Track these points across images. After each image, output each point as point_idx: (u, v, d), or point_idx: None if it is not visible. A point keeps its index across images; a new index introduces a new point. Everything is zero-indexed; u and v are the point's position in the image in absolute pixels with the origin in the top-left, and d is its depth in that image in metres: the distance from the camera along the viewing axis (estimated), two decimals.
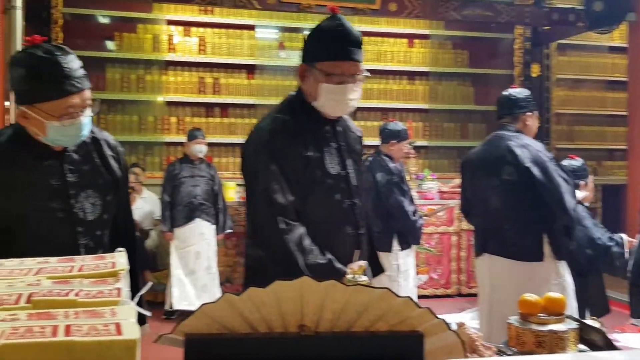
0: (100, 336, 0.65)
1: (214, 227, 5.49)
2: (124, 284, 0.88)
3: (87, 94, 1.82)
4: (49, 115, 1.75)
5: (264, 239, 2.01)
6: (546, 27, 7.39)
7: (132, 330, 0.67)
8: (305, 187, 1.99)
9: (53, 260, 0.98)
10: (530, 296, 2.00)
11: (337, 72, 1.98)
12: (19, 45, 4.15)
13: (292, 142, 1.98)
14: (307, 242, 1.94)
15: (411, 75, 7.69)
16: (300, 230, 1.95)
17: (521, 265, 3.18)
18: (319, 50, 2.02)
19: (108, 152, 2.02)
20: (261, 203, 1.97)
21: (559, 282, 3.19)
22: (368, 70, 6.58)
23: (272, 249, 1.98)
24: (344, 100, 2.02)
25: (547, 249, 3.20)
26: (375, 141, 7.18)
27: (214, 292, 5.41)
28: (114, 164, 2.02)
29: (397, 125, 4.94)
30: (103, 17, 7.01)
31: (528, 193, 3.17)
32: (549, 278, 3.15)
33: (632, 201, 6.42)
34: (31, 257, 1.44)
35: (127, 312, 0.73)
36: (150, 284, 1.10)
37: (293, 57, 7.35)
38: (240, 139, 7.09)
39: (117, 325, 0.68)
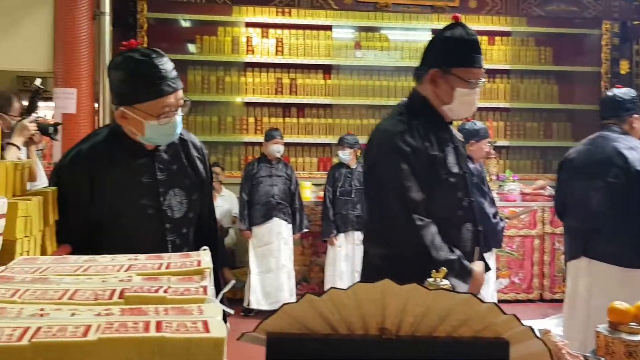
0: (189, 333, 0.66)
1: (290, 226, 5.55)
2: (209, 282, 0.89)
3: (180, 94, 1.90)
4: (147, 114, 1.83)
5: (397, 236, 2.09)
6: (635, 22, 7.01)
7: (219, 328, 0.68)
8: (431, 186, 2.08)
9: (142, 257, 1.01)
10: (620, 304, 1.90)
11: (472, 78, 2.11)
12: (107, 49, 4.34)
13: (418, 142, 2.07)
14: (438, 238, 2.04)
15: (492, 73, 7.49)
16: (433, 227, 2.05)
17: (626, 272, 3.03)
18: (456, 57, 2.12)
19: (194, 154, 2.08)
20: (395, 201, 2.05)
21: None
22: None
23: (408, 246, 2.05)
24: (473, 103, 2.17)
25: None
26: None
27: (291, 290, 5.48)
28: (199, 165, 2.09)
29: (476, 124, 4.83)
30: (185, 21, 7.25)
31: (635, 197, 3.03)
32: None
33: None
34: (122, 252, 1.54)
35: (214, 310, 0.74)
36: (233, 282, 1.11)
37: (369, 57, 7.34)
38: (316, 139, 7.16)
39: (205, 323, 0.69)
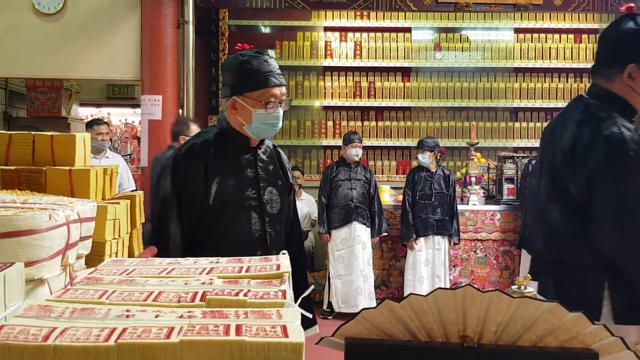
0: (269, 337, 0.67)
1: (369, 229, 5.54)
2: (288, 286, 0.90)
3: (284, 90, 2.13)
4: (256, 102, 2.06)
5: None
6: None
7: (298, 333, 0.68)
8: None
9: (223, 260, 1.03)
10: None
11: None
12: (191, 57, 4.48)
13: None
14: None
15: (578, 72, 7.20)
16: None
17: None
18: None
19: (284, 162, 2.32)
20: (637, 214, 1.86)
21: None
22: (530, 68, 6.27)
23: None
24: None
25: None
26: (538, 143, 6.85)
27: (369, 294, 5.45)
28: (288, 172, 2.31)
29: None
30: (265, 27, 7.39)
31: None
32: None
33: None
34: (227, 242, 1.76)
35: (293, 315, 0.75)
36: (312, 286, 1.12)
37: (449, 58, 7.22)
38: (395, 142, 7.11)
39: (284, 328, 0.69)
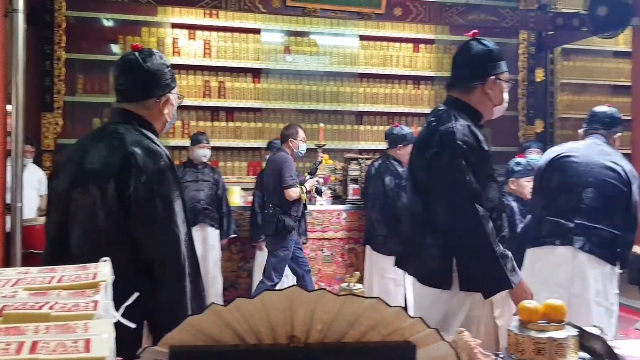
0: (67, 354, 0.63)
1: (217, 231, 5.47)
2: (104, 296, 0.86)
3: None
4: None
5: (461, 226, 2.21)
6: (550, 32, 7.35)
7: (102, 347, 0.65)
8: (485, 183, 2.25)
9: (34, 270, 0.96)
10: (529, 303, 1.97)
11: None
12: (21, 49, 4.14)
13: (475, 142, 2.24)
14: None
15: (416, 79, 7.67)
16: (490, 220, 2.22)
17: None
18: (498, 65, 2.36)
19: None
20: (460, 193, 2.19)
21: None
22: (374, 74, 6.61)
23: (471, 235, 2.19)
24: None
25: None
26: (381, 145, 7.20)
27: (217, 297, 5.39)
28: None
29: (403, 129, 4.94)
30: (107, 21, 7.02)
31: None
32: None
33: None
34: None
35: (102, 327, 0.71)
36: (136, 294, 1.08)
37: (298, 61, 7.35)
38: (245, 143, 7.10)
39: (87, 342, 0.65)
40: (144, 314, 1.77)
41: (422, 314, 2.23)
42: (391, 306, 1.14)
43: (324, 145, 6.32)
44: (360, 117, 7.62)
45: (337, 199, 6.38)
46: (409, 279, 2.57)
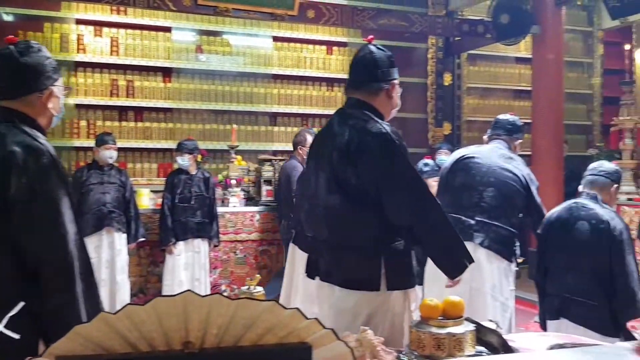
0: None
1: (124, 235, 5.29)
2: None
3: None
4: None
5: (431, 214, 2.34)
6: (457, 38, 7.64)
7: None
8: None
9: None
10: (430, 300, 2.04)
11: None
12: None
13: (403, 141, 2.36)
14: None
15: (330, 81, 7.75)
16: None
17: None
18: (396, 71, 2.47)
19: None
20: (419, 186, 2.34)
21: None
22: (287, 76, 6.67)
23: (433, 221, 2.33)
24: None
25: None
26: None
27: (123, 303, 5.21)
28: None
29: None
30: (7, 15, 6.64)
31: None
32: None
33: None
34: None
35: None
36: (22, 303, 1.02)
37: (211, 61, 7.26)
38: (155, 144, 6.92)
39: None
40: (37, 322, 1.69)
41: (345, 317, 2.27)
42: (287, 308, 1.14)
43: (237, 146, 6.28)
44: (274, 118, 7.62)
45: (250, 200, 6.35)
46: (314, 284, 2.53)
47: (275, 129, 7.53)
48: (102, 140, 5.33)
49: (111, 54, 6.85)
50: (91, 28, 6.82)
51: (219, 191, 6.18)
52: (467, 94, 8.24)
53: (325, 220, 2.38)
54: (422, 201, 2.32)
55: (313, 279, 2.47)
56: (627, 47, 6.67)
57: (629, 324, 1.33)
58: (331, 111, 7.47)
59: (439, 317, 1.98)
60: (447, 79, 7.87)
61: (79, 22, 6.77)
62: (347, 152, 2.29)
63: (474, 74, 8.36)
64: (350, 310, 2.29)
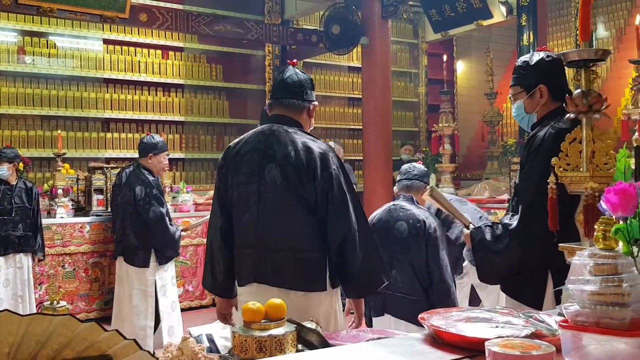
0: None
1: None
2: None
3: None
4: None
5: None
6: (294, 46, 7.86)
7: None
8: None
9: None
10: (253, 304, 2.09)
11: None
12: None
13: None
14: None
15: (167, 87, 7.61)
16: None
17: None
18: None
19: None
20: (354, 204, 2.47)
21: None
22: (122, 80, 6.48)
23: (361, 240, 2.45)
24: None
25: None
26: (130, 153, 6.97)
27: None
28: None
29: (154, 137, 4.86)
30: None
31: None
32: None
33: (367, 208, 7.07)
34: None
35: None
36: None
37: (35, 64, 6.80)
38: None
39: None
40: None
41: (305, 320, 2.29)
42: (83, 321, 1.13)
43: (64, 153, 5.94)
44: (107, 124, 7.31)
45: (80, 210, 6.03)
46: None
47: (109, 135, 7.23)
48: None
49: None
50: None
51: (45, 202, 5.80)
52: None
53: (279, 229, 2.48)
54: (354, 218, 2.44)
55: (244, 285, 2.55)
56: (444, 58, 7.26)
57: (420, 316, 1.48)
58: (168, 117, 7.49)
59: (262, 320, 2.05)
60: None
61: None
62: (300, 167, 2.43)
63: None
64: (305, 311, 2.35)
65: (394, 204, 3.51)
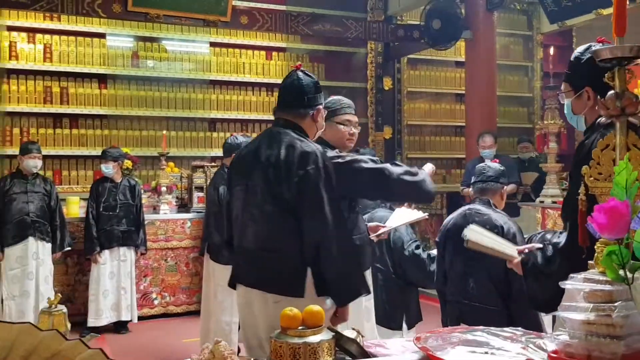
0: None
1: (49, 245, 5.22)
2: None
3: None
4: None
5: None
6: (396, 43, 7.71)
7: None
8: None
9: None
10: (290, 310, 2.06)
11: None
12: None
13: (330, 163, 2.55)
14: None
15: (270, 87, 7.77)
16: None
17: None
18: (322, 96, 2.64)
19: None
20: (333, 209, 2.41)
21: None
22: (227, 82, 6.71)
23: (338, 246, 2.39)
24: None
25: None
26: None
27: None
28: None
29: (237, 138, 4.97)
30: None
31: None
32: None
33: None
34: None
35: None
36: None
37: (147, 67, 7.21)
38: (91, 151, 6.84)
39: None
40: None
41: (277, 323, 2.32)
42: (45, 330, 1.15)
43: (167, 153, 6.25)
44: (213, 124, 7.60)
45: (183, 207, 6.33)
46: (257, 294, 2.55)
47: (214, 134, 7.51)
48: (26, 149, 5.25)
49: (44, 61, 6.77)
50: (24, 34, 6.73)
51: (154, 198, 6.14)
52: (407, 98, 8.31)
53: (258, 230, 2.47)
54: (331, 222, 2.37)
55: (234, 288, 2.57)
56: (551, 50, 6.78)
57: (416, 336, 1.37)
58: (271, 117, 7.60)
59: (299, 327, 2.01)
60: (387, 83, 7.94)
61: (11, 28, 6.68)
62: (282, 167, 2.41)
63: (415, 78, 8.45)
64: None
65: (469, 208, 3.31)
